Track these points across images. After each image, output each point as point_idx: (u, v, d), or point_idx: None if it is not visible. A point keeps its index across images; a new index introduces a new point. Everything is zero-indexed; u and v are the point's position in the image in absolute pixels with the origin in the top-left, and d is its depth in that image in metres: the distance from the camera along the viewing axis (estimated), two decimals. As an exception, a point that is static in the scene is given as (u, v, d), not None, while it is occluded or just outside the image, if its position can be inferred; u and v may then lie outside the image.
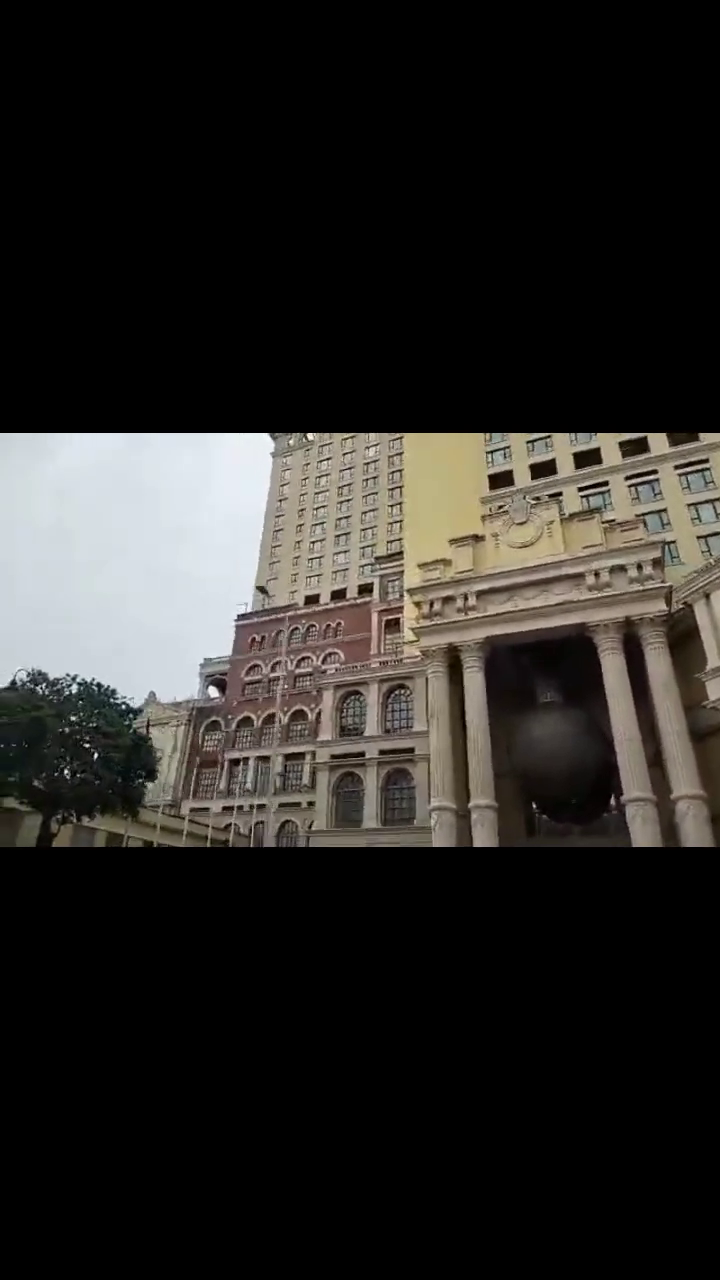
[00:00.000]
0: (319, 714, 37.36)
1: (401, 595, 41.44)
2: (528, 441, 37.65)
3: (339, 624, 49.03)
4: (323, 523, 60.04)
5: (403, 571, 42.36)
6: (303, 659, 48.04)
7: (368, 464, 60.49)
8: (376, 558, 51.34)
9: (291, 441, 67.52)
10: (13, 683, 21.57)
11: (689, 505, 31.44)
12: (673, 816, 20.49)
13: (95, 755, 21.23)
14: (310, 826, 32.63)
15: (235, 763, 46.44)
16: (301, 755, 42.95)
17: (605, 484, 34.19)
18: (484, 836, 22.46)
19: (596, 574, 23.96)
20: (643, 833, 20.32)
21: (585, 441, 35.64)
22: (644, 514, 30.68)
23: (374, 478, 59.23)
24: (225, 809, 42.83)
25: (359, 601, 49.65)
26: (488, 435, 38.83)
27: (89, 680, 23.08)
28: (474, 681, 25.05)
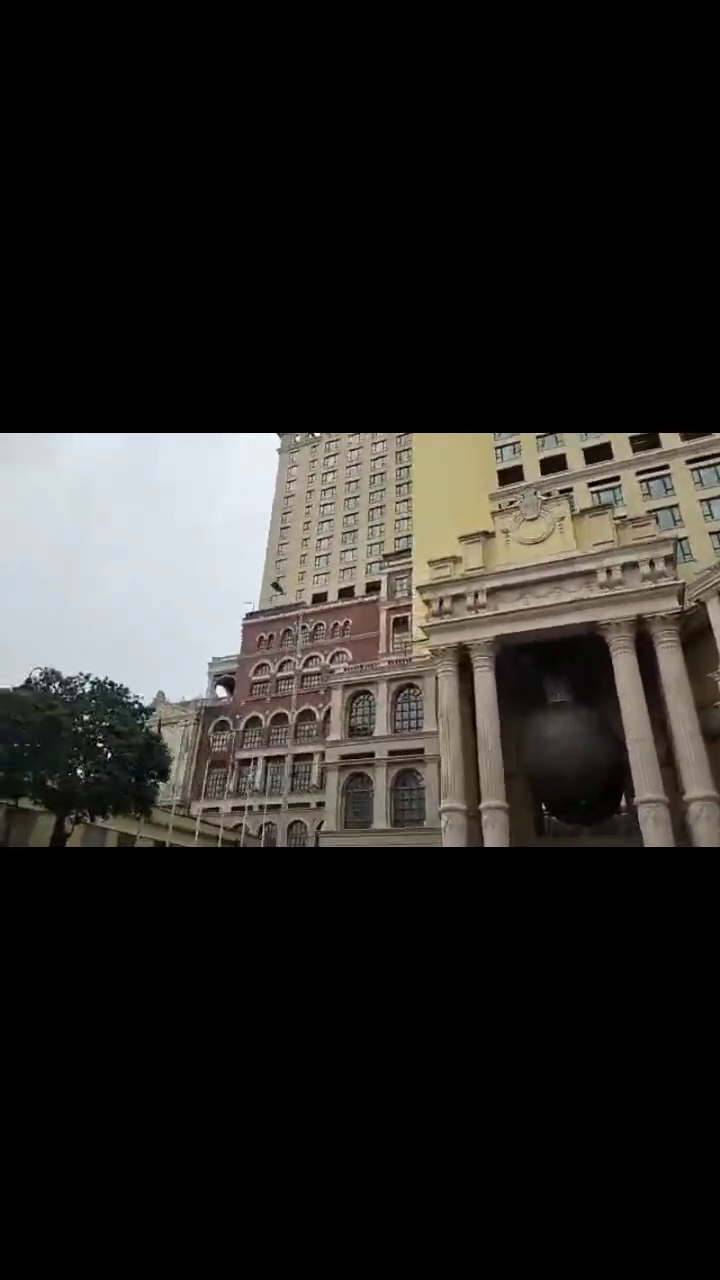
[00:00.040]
0: (327, 714, 37.38)
1: (410, 593, 41.31)
2: (537, 437, 37.35)
3: (347, 623, 48.98)
4: (330, 520, 59.99)
5: (411, 569, 42.21)
6: (310, 658, 48.06)
7: (375, 460, 60.33)
8: (384, 555, 51.22)
9: (298, 439, 67.48)
10: (28, 681, 21.71)
11: (701, 501, 31.05)
12: (685, 818, 20.29)
13: (108, 755, 21.33)
14: (320, 827, 32.66)
15: (244, 763, 46.59)
16: (309, 755, 43.01)
17: (616, 479, 33.85)
18: (495, 838, 22.36)
19: (609, 571, 23.74)
20: (655, 834, 20.14)
21: (596, 436, 35.30)
22: (655, 510, 30.33)
23: (381, 474, 59.08)
24: (235, 809, 43.00)
25: (367, 600, 49.57)
26: (496, 431, 38.56)
27: (102, 679, 23.20)
28: (484, 681, 24.92)
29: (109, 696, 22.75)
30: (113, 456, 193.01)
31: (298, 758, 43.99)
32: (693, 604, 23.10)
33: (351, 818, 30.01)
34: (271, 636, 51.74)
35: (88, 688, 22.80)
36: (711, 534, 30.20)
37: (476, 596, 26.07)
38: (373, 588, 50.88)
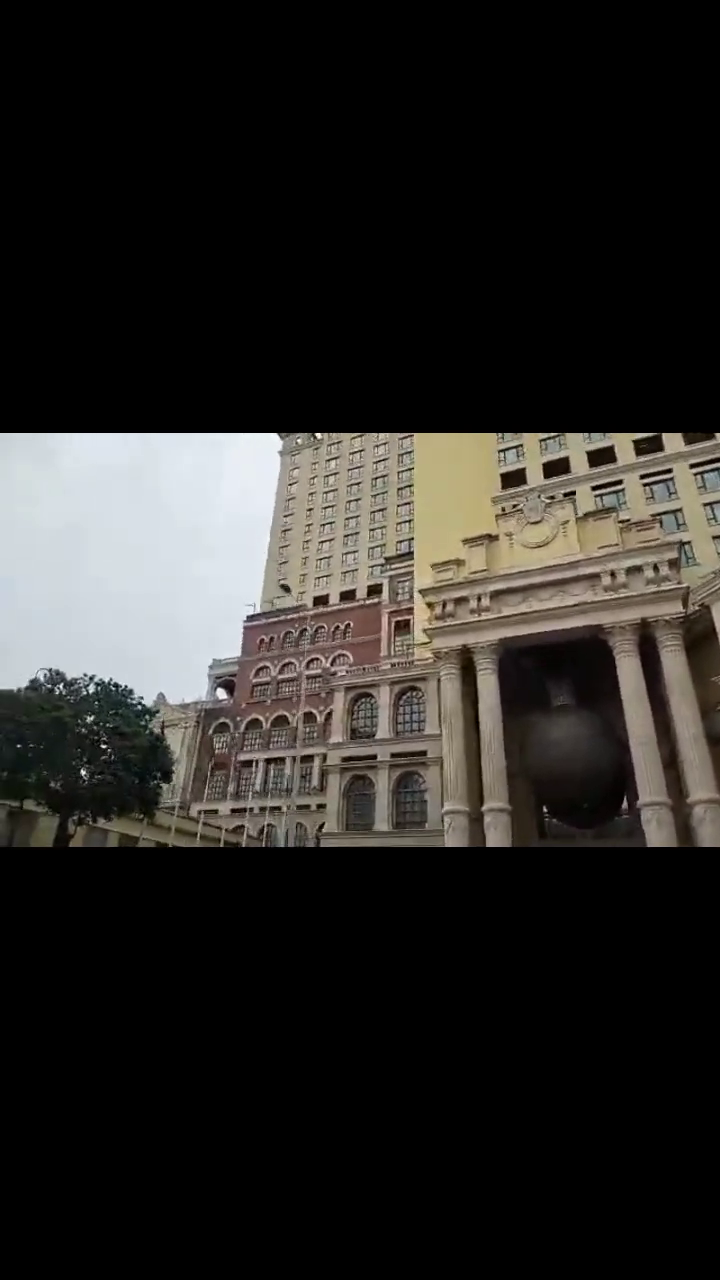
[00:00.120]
0: (328, 716, 37.33)
1: (411, 596, 41.34)
2: (540, 440, 37.46)
3: (348, 625, 48.99)
4: (331, 522, 60.04)
5: (412, 572, 42.24)
6: (311, 660, 48.03)
7: (377, 463, 60.43)
8: (386, 558, 51.26)
9: (300, 440, 67.57)
10: (33, 682, 21.67)
11: (705, 505, 31.14)
12: (689, 820, 20.28)
13: (112, 756, 21.27)
14: (321, 829, 32.58)
15: (245, 764, 46.51)
16: (310, 758, 42.94)
17: (619, 483, 33.94)
18: (497, 840, 22.33)
19: (613, 574, 23.76)
20: (658, 836, 20.13)
21: (599, 440, 35.40)
22: (659, 513, 30.42)
23: (383, 476, 59.17)
24: (235, 811, 42.90)
25: (368, 603, 49.59)
26: (500, 434, 38.65)
27: (106, 680, 23.15)
28: (487, 683, 24.91)
29: (113, 698, 22.71)
30: (112, 456, 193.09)
31: (299, 760, 43.94)
32: (696, 608, 23.14)
33: (353, 820, 29.95)
34: (272, 639, 51.71)
35: (92, 689, 22.76)
36: (715, 538, 30.28)
37: (480, 599, 26.07)
38: (374, 590, 50.92)
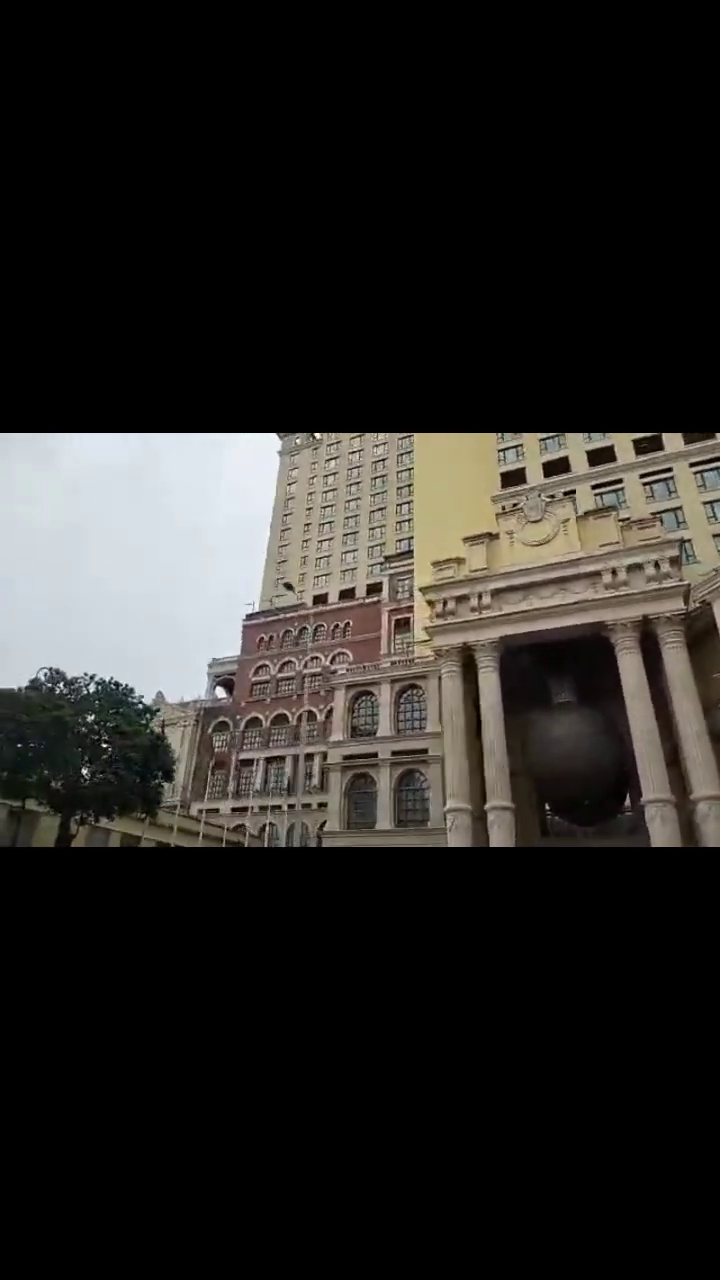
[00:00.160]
0: (329, 714, 37.30)
1: (411, 595, 41.35)
2: (540, 439, 37.52)
3: (348, 624, 48.96)
4: (331, 522, 60.02)
5: (412, 570, 42.24)
6: (311, 659, 47.97)
7: (376, 462, 60.44)
8: (386, 557, 51.27)
9: (299, 440, 67.53)
10: (34, 682, 21.56)
11: (705, 503, 31.25)
12: (692, 816, 20.34)
13: (113, 755, 21.19)
14: (322, 827, 32.55)
15: (244, 763, 46.44)
16: (310, 756, 42.90)
17: (619, 481, 34.01)
18: (500, 838, 22.36)
19: (614, 572, 23.82)
20: (662, 833, 20.19)
21: (599, 439, 35.47)
22: (659, 512, 30.50)
23: (382, 476, 59.18)
24: (235, 810, 42.84)
25: (368, 601, 49.58)
26: (499, 433, 38.70)
27: (107, 679, 23.06)
28: (489, 681, 24.93)
29: (114, 697, 22.63)
30: (112, 456, 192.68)
31: (299, 759, 43.90)
32: (697, 605, 23.22)
33: (355, 818, 29.94)
34: (272, 638, 51.64)
35: (92, 688, 22.68)
36: (715, 536, 30.38)
37: (481, 597, 26.10)
38: (374, 589, 50.91)
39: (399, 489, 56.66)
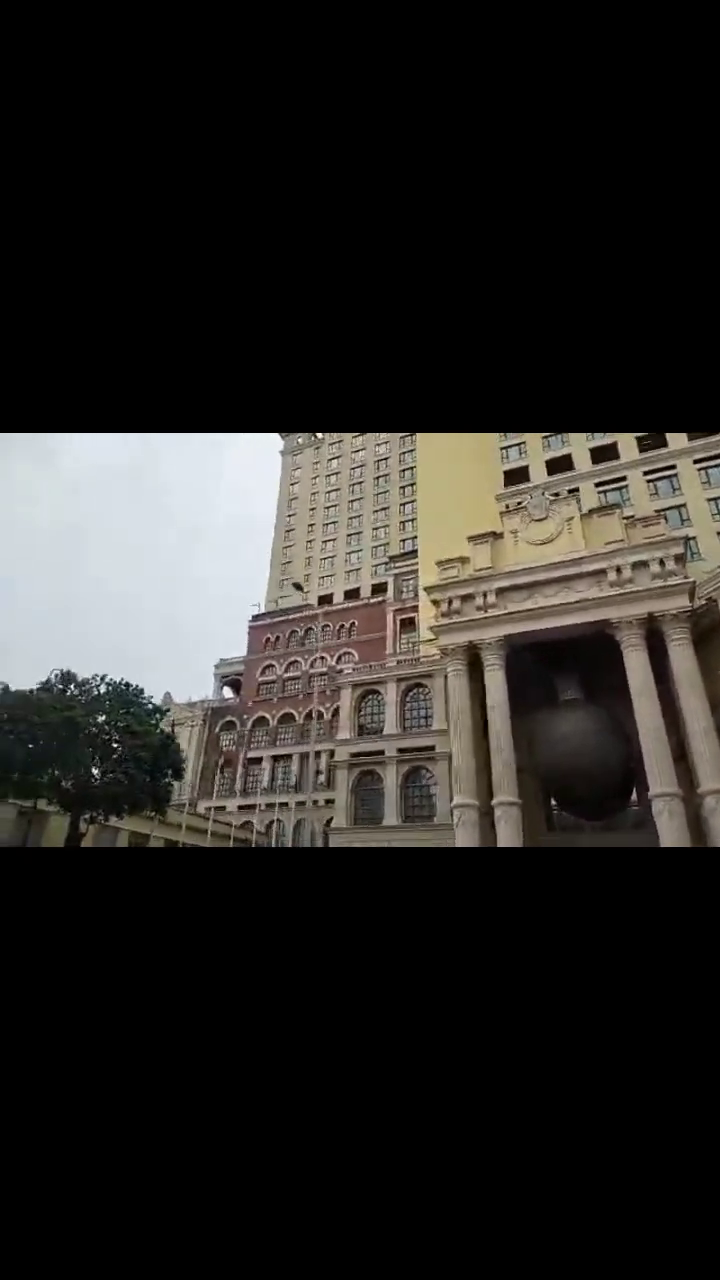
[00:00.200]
0: (335, 713, 37.46)
1: (416, 594, 41.41)
2: (543, 437, 37.50)
3: (353, 624, 49.10)
4: (334, 522, 60.09)
5: (417, 570, 42.31)
6: (317, 659, 48.14)
7: (379, 461, 60.47)
8: (390, 557, 51.34)
9: (301, 440, 67.58)
10: (46, 683, 21.82)
11: (709, 500, 31.20)
12: (699, 811, 20.41)
13: (123, 754, 21.42)
14: (329, 824, 32.74)
15: (252, 762, 46.68)
16: (317, 754, 43.06)
17: (623, 479, 34.00)
18: (507, 833, 22.45)
19: (619, 570, 23.85)
20: (670, 827, 20.26)
21: (602, 437, 35.45)
22: (663, 509, 30.47)
23: (385, 475, 59.21)
24: (243, 808, 43.07)
25: (373, 601, 49.70)
26: (502, 431, 38.70)
27: (117, 680, 23.32)
28: (495, 679, 24.99)
29: (125, 697, 22.86)
30: (112, 457, 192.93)
31: (305, 757, 44.06)
32: (703, 602, 23.25)
33: (362, 814, 30.11)
34: (278, 638, 51.84)
35: (103, 689, 22.91)
36: None
37: (486, 596, 26.16)
38: (378, 589, 51.00)
39: (402, 488, 56.67)
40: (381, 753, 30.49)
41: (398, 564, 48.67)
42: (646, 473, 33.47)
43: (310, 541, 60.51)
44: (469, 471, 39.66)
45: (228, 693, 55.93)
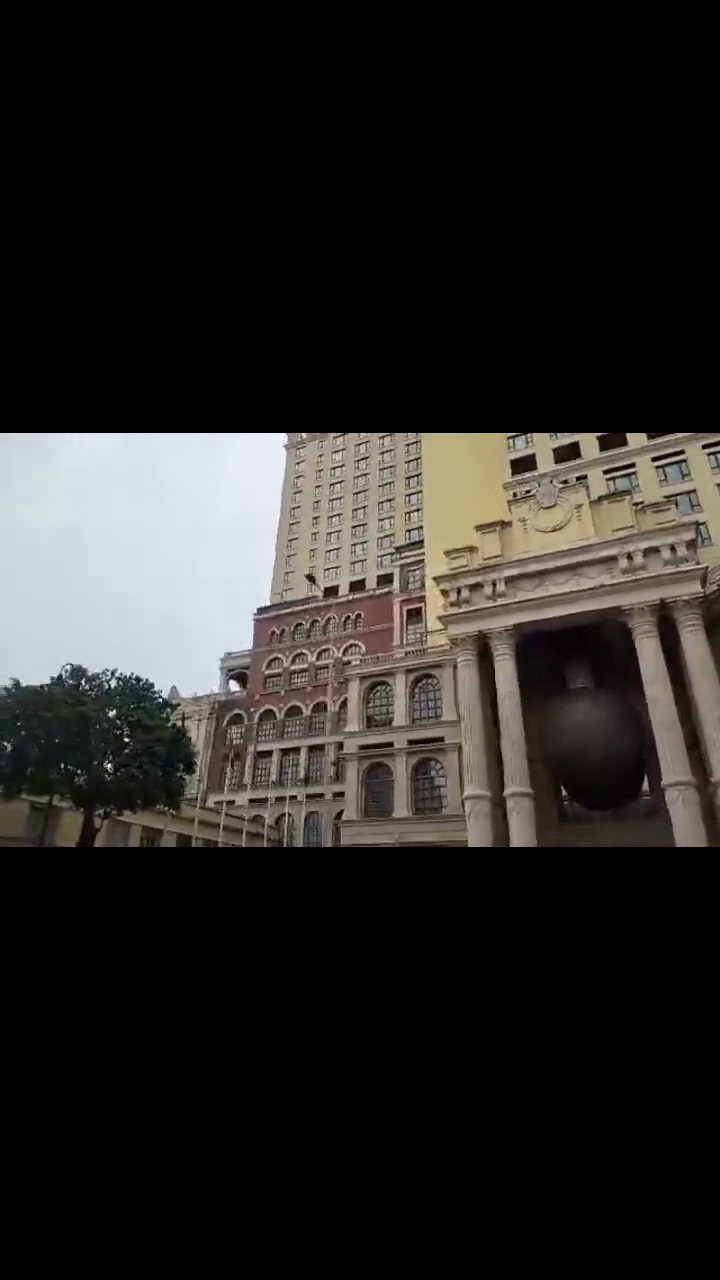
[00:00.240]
0: (343, 705, 37.46)
1: (423, 584, 41.27)
2: (549, 425, 37.11)
3: (359, 615, 49.00)
4: (339, 514, 59.87)
5: (423, 560, 42.13)
6: (323, 651, 48.11)
7: (383, 452, 60.10)
8: (397, 547, 51.16)
9: (304, 434, 67.19)
10: (58, 678, 21.80)
11: (719, 485, 30.88)
12: (714, 799, 20.35)
13: (136, 749, 21.43)
14: (339, 816, 32.84)
15: (260, 755, 46.80)
16: (323, 747, 43.14)
17: (631, 465, 33.68)
18: (520, 824, 22.46)
19: (629, 557, 23.67)
20: (684, 815, 20.21)
21: (609, 423, 35.05)
22: (672, 495, 30.22)
23: (390, 467, 58.88)
24: (253, 801, 43.24)
25: (379, 592, 49.57)
26: (507, 420, 38.30)
27: (128, 674, 23.29)
28: (505, 669, 24.90)
29: (136, 692, 22.85)
30: (112, 457, 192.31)
31: (313, 749, 44.16)
32: (715, 587, 23.06)
33: (372, 807, 30.16)
34: (283, 631, 51.78)
35: (114, 683, 22.90)
36: (730, 518, 30.01)
37: (495, 585, 26.01)
38: (384, 580, 50.85)
39: (407, 478, 56.35)
40: (391, 745, 30.50)
41: (404, 554, 48.46)
42: (655, 459, 33.15)
43: (315, 534, 60.33)
44: (475, 460, 39.35)
45: (234, 686, 56.00)
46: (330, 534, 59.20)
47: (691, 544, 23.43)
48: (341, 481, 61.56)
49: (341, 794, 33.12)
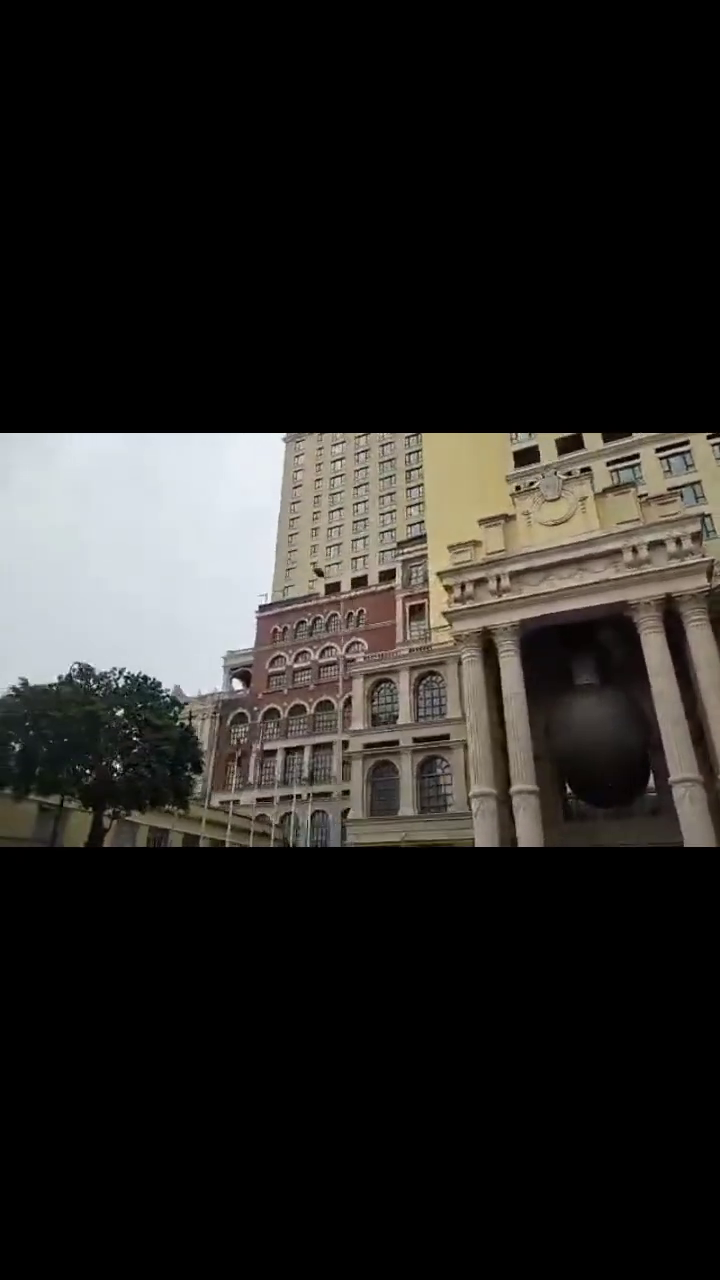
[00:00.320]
0: (347, 703, 37.45)
1: (426, 580, 41.13)
2: (551, 418, 36.83)
3: (361, 612, 48.91)
4: (340, 508, 59.70)
5: (426, 555, 41.97)
6: (327, 648, 48.07)
7: (384, 444, 59.85)
8: (399, 543, 50.96)
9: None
10: (67, 677, 21.84)
11: (724, 476, 30.58)
12: (721, 794, 20.26)
13: (145, 748, 21.46)
14: (345, 815, 32.86)
15: (264, 754, 46.87)
16: (328, 745, 43.17)
17: (635, 457, 33.40)
18: (527, 822, 22.40)
19: (635, 550, 23.47)
20: (691, 812, 20.11)
21: (612, 415, 34.77)
22: (677, 487, 29.97)
23: (390, 460, 58.63)
24: (260, 800, 43.33)
25: (381, 588, 49.45)
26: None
27: (136, 673, 23.31)
28: (510, 665, 24.77)
29: (144, 690, 22.88)
30: (112, 458, 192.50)
31: (317, 748, 44.20)
32: (721, 581, 22.85)
33: (378, 805, 30.16)
34: (286, 629, 51.76)
35: (122, 682, 22.92)
36: (736, 509, 29.74)
37: (499, 580, 25.86)
38: (386, 576, 50.71)
39: (408, 472, 56.11)
40: (396, 743, 30.46)
41: (406, 549, 48.30)
42: (659, 450, 32.86)
43: (316, 529, 60.19)
44: (477, 452, 39.12)
45: (237, 685, 56.06)
46: (331, 529, 59.05)
47: (697, 537, 23.21)
48: (342, 475, 61.33)
49: (348, 792, 33.13)
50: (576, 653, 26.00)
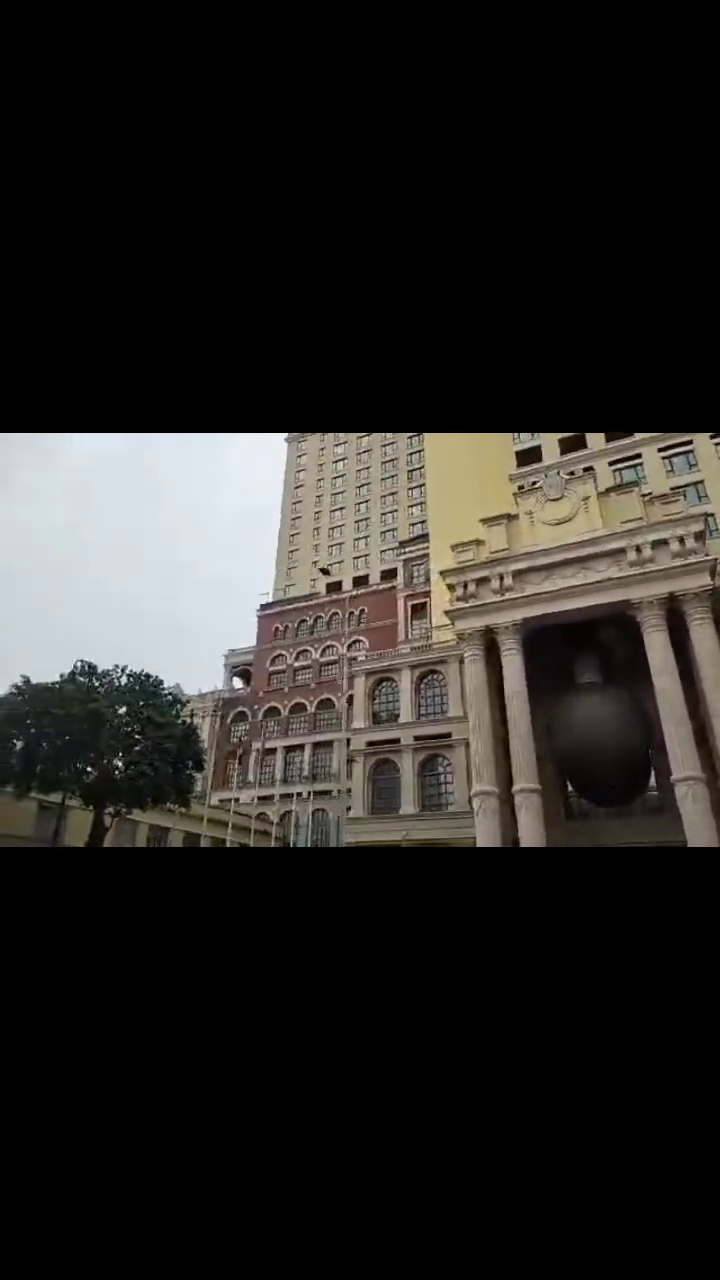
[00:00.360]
0: (348, 701, 37.47)
1: (427, 579, 41.10)
2: (554, 416, 36.72)
3: (363, 610, 48.90)
4: (341, 507, 59.67)
5: (427, 554, 41.93)
6: (328, 647, 48.08)
7: (385, 444, 59.78)
8: (400, 542, 50.92)
9: (306, 428, 66.93)
10: (70, 674, 21.87)
11: (727, 475, 30.46)
12: (724, 794, 20.21)
13: (147, 746, 21.48)
14: (347, 813, 32.89)
15: (265, 752, 46.91)
16: (329, 744, 43.19)
17: (638, 456, 33.32)
18: (529, 820, 22.38)
19: (638, 549, 23.42)
20: (693, 810, 20.08)
21: (615, 414, 34.65)
22: (679, 486, 29.91)
23: (392, 459, 58.56)
24: (261, 799, 43.38)
25: (383, 587, 49.44)
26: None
27: (138, 671, 23.33)
28: (512, 664, 24.75)
29: (146, 688, 22.90)
30: (112, 458, 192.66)
31: (318, 746, 44.23)
32: (725, 580, 22.78)
33: (379, 803, 30.17)
34: (287, 627, 51.77)
35: (124, 680, 22.94)
36: (739, 509, 29.65)
37: (502, 579, 25.83)
38: (388, 575, 50.69)
39: (410, 471, 56.04)
40: (397, 741, 30.45)
41: (407, 548, 48.26)
42: (661, 449, 32.77)
43: (317, 528, 60.17)
44: (478, 453, 39.04)
45: (237, 683, 56.11)
46: (333, 528, 59.02)
47: (700, 536, 23.17)
48: (343, 475, 61.29)
49: (349, 790, 33.16)
50: (579, 652, 25.96)
